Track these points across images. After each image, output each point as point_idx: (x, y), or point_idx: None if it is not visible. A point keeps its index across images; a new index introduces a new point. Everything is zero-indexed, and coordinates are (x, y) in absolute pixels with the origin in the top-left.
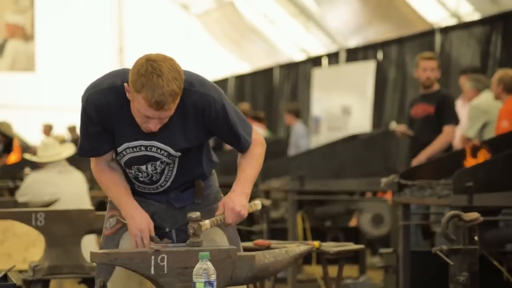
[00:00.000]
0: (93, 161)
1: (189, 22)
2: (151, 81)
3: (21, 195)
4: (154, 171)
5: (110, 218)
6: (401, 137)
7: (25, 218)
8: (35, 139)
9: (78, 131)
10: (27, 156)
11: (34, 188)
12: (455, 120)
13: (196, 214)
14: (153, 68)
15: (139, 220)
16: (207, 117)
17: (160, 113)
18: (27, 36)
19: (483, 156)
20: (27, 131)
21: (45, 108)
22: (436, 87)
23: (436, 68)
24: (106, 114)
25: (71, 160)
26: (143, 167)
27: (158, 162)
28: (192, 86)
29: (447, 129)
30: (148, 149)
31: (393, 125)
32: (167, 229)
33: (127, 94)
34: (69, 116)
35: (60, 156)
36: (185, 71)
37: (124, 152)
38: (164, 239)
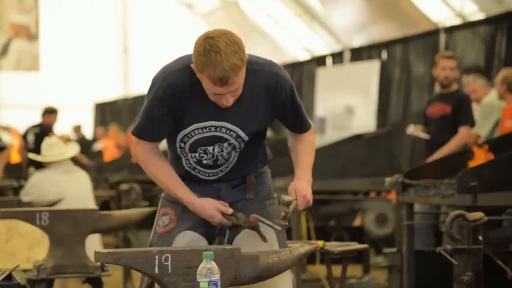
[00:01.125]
0: (140, 146)
1: (194, 22)
2: (211, 59)
3: (26, 195)
4: (220, 153)
5: (163, 216)
6: (416, 138)
7: (30, 218)
8: None
9: (83, 130)
10: (32, 155)
11: (38, 187)
12: (471, 121)
13: (288, 198)
14: (210, 45)
15: (209, 203)
16: (278, 97)
17: (227, 88)
18: (31, 36)
19: (483, 156)
20: None
21: None
22: (454, 87)
23: (455, 67)
24: (179, 95)
25: (76, 160)
26: (210, 148)
27: (225, 144)
28: (263, 67)
29: (462, 130)
30: (218, 129)
31: (411, 129)
32: (218, 226)
33: (197, 74)
34: (73, 115)
35: (65, 155)
36: (253, 55)
37: (192, 133)
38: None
